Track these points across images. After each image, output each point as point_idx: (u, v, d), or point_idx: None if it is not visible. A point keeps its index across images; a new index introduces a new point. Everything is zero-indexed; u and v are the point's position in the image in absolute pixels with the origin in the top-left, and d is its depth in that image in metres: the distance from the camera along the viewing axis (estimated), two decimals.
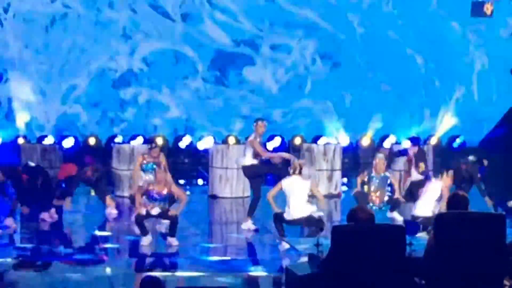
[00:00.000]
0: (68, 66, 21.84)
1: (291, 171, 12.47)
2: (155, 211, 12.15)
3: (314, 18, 22.91)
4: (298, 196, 12.14)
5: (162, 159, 14.26)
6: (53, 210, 14.43)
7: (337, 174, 17.40)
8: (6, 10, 21.47)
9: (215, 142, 20.42)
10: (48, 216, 14.21)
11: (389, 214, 14.65)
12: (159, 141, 20.31)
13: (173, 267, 11.10)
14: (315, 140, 21.49)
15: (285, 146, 22.19)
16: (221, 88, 22.69)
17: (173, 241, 12.15)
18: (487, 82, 23.67)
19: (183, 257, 11.64)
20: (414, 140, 16.87)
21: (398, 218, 14.57)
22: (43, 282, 10.27)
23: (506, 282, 7.15)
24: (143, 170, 14.15)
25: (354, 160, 22.65)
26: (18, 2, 21.46)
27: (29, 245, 12.49)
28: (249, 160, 13.85)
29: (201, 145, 21.61)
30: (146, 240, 12.24)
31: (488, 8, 22.11)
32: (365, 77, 23.13)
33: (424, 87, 23.61)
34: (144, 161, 14.26)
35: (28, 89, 21.36)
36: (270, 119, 22.64)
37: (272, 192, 12.38)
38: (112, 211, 14.94)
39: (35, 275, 10.65)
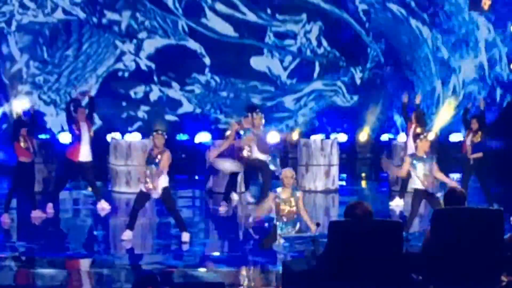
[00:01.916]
0: (76, 73, 21.86)
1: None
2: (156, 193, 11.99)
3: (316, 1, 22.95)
4: None
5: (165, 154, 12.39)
6: (50, 204, 14.38)
7: (335, 169, 17.38)
8: (9, 24, 21.41)
9: (213, 138, 20.38)
10: (40, 213, 14.06)
11: None
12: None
13: (170, 263, 11.05)
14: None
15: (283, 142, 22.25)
16: (230, 80, 22.69)
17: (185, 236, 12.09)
18: (494, 47, 23.67)
19: (180, 253, 11.60)
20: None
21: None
22: (38, 278, 10.24)
23: (503, 278, 7.12)
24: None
25: (352, 156, 22.69)
26: (19, 15, 21.39)
27: (23, 242, 12.42)
28: (256, 153, 14.24)
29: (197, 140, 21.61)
30: (126, 235, 12.14)
31: (485, 3, 22.11)
32: (372, 54, 23.20)
33: (433, 58, 23.63)
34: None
35: (38, 101, 21.29)
36: (283, 106, 22.80)
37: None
38: (104, 206, 14.82)
39: (30, 271, 10.61)
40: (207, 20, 22.41)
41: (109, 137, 19.57)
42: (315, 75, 23.14)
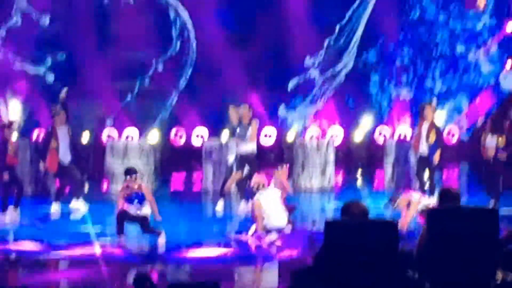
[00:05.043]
0: None
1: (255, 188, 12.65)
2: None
3: None
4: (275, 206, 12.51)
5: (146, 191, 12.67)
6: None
7: (330, 168, 17.40)
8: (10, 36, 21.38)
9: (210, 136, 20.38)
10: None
11: None
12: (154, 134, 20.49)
13: (164, 262, 11.07)
14: None
15: (279, 142, 22.25)
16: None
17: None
18: None
19: (174, 252, 11.60)
20: None
21: None
22: (31, 278, 10.25)
23: (499, 274, 7.15)
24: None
25: (348, 155, 22.69)
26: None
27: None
28: None
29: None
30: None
31: (481, 1, 22.12)
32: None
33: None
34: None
35: None
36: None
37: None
38: (78, 206, 14.80)
39: (25, 269, 10.61)
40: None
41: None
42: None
